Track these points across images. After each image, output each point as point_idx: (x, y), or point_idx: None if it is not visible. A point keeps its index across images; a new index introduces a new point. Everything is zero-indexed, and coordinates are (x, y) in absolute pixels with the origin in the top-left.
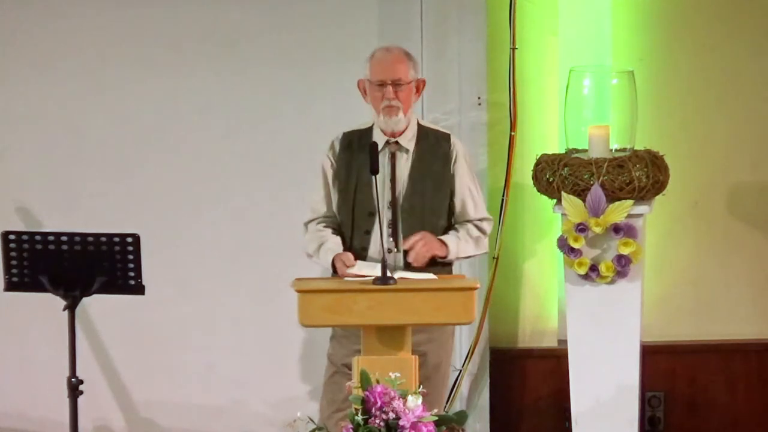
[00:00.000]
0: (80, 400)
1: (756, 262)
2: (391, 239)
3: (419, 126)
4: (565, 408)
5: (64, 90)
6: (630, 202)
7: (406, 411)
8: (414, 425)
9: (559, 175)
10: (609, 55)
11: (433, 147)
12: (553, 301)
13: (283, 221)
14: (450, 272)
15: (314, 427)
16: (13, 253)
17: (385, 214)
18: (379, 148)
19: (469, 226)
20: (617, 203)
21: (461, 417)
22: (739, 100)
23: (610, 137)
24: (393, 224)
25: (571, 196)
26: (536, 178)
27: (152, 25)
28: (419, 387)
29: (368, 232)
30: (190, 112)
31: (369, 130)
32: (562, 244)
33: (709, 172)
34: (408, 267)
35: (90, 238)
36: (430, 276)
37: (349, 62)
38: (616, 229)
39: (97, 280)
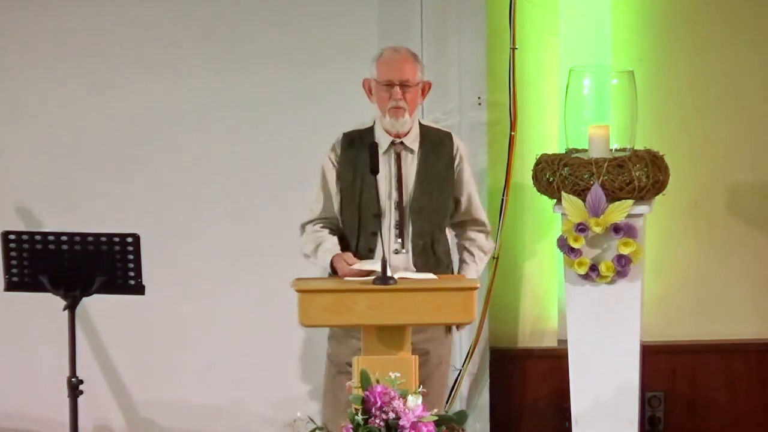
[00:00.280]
0: (80, 400)
1: (756, 262)
2: (399, 240)
3: (420, 125)
4: (565, 408)
5: (64, 90)
6: (630, 202)
7: (406, 411)
8: (414, 425)
9: (559, 175)
10: (609, 55)
11: (437, 147)
12: (553, 301)
13: (283, 221)
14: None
15: (314, 427)
16: (13, 253)
17: (393, 215)
18: (384, 148)
19: (478, 253)
20: (617, 203)
21: (461, 417)
22: (739, 100)
23: (610, 137)
24: (400, 225)
25: (571, 196)
26: (536, 178)
27: (152, 25)
28: (419, 387)
29: (375, 233)
30: (190, 112)
31: (370, 130)
32: (562, 244)
33: (709, 172)
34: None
35: (90, 238)
36: (430, 276)
37: (349, 62)
38: (616, 229)
39: (97, 280)
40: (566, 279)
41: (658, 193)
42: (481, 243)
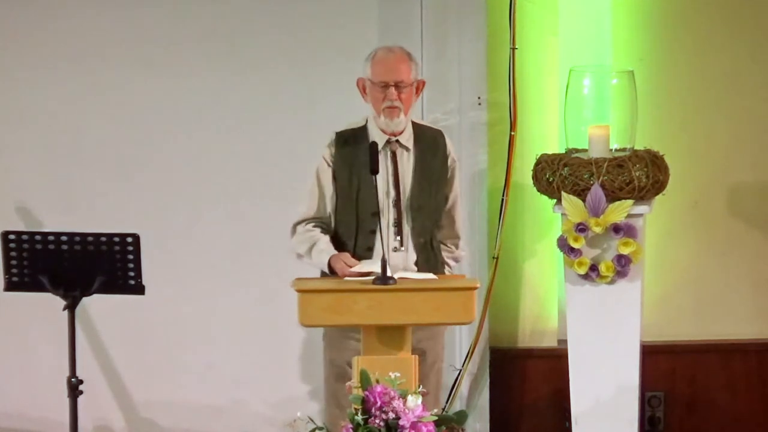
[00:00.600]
0: (80, 400)
1: (756, 262)
2: (398, 238)
3: (413, 124)
4: (565, 408)
5: (64, 90)
6: (630, 201)
7: (406, 411)
8: (414, 425)
9: (559, 175)
10: (609, 55)
11: (431, 145)
12: (553, 301)
13: (283, 221)
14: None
15: (314, 427)
16: (13, 253)
17: (391, 213)
18: (380, 147)
19: (452, 263)
20: (617, 203)
21: (461, 417)
22: (739, 100)
23: (610, 137)
24: (398, 222)
25: (571, 196)
26: (536, 178)
27: (152, 25)
28: (419, 387)
29: (373, 232)
30: (190, 112)
31: (364, 129)
32: (562, 244)
33: (709, 172)
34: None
35: (90, 238)
36: (430, 276)
37: (349, 62)
38: (616, 229)
39: (97, 280)
40: (566, 279)
41: (658, 193)
42: (457, 254)
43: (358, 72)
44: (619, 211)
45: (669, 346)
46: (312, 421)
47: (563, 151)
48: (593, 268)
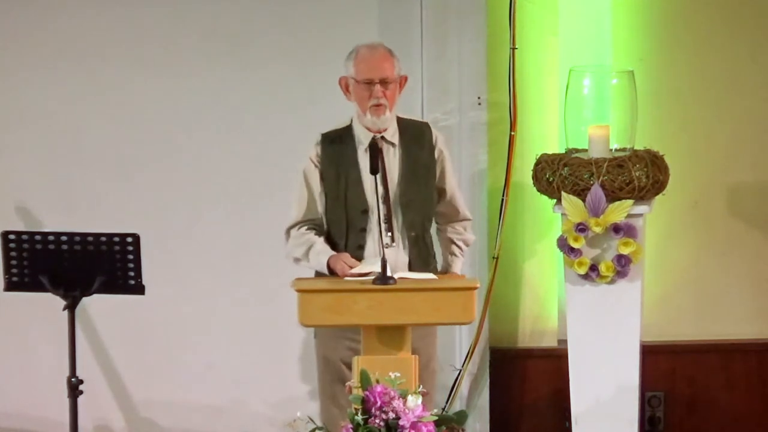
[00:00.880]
0: (80, 400)
1: (756, 262)
2: (389, 234)
3: (398, 118)
4: (565, 408)
5: (64, 90)
6: (630, 201)
7: (406, 411)
8: (414, 425)
9: (559, 174)
10: (609, 55)
11: (417, 137)
12: (553, 301)
13: (282, 221)
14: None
15: (314, 427)
16: (13, 253)
17: (380, 210)
18: (365, 145)
19: (465, 247)
20: (617, 203)
21: (461, 417)
22: (739, 100)
23: (610, 137)
24: (388, 219)
25: (571, 196)
26: (536, 178)
27: (152, 25)
28: (419, 387)
29: (364, 230)
30: (190, 112)
31: (349, 128)
32: (562, 244)
33: (709, 172)
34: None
35: (90, 238)
36: (430, 276)
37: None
38: (616, 228)
39: (97, 279)
40: (566, 279)
41: (658, 193)
42: (467, 237)
43: None
44: (619, 211)
45: (669, 346)
46: (312, 421)
47: (563, 151)
48: (593, 268)
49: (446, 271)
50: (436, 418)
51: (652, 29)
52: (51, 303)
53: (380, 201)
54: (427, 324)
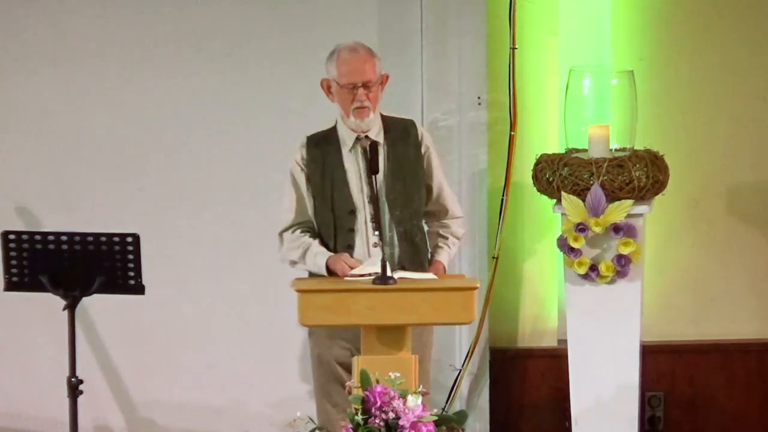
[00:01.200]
0: (80, 400)
1: (756, 262)
2: (377, 233)
3: (382, 116)
4: (565, 408)
5: (64, 90)
6: (630, 201)
7: (406, 411)
8: (414, 425)
9: (559, 174)
10: (609, 55)
11: (403, 135)
12: (553, 301)
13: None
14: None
15: (314, 427)
16: (13, 253)
17: (367, 210)
18: (350, 146)
19: (452, 239)
20: (617, 203)
21: (461, 417)
22: (739, 100)
23: (610, 137)
24: (376, 218)
25: (571, 196)
26: (536, 178)
27: (152, 25)
28: (419, 387)
29: (352, 230)
30: (190, 112)
31: (333, 130)
32: (562, 244)
33: (709, 172)
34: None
35: (90, 238)
36: (430, 276)
37: None
38: (616, 228)
39: (97, 279)
40: (566, 279)
41: (657, 193)
42: (455, 230)
43: None
44: (619, 211)
45: (669, 346)
46: (312, 421)
47: (563, 151)
48: (593, 268)
49: (431, 262)
50: (436, 418)
51: (652, 29)
52: (51, 303)
53: (366, 200)
54: (427, 324)
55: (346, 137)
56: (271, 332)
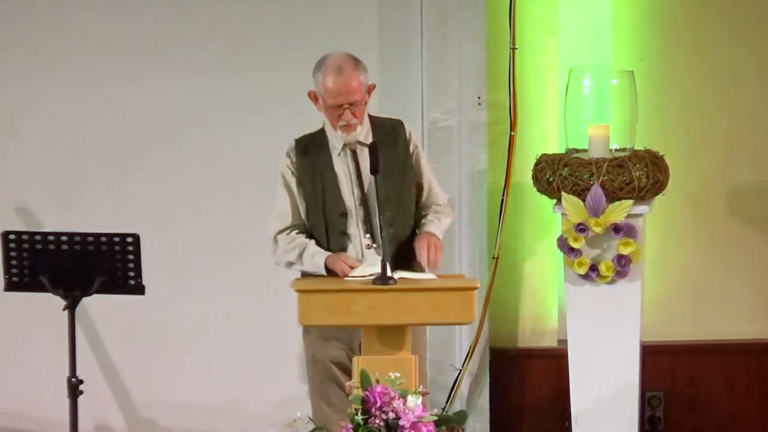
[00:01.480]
0: (80, 400)
1: (756, 263)
2: (368, 235)
3: (370, 117)
4: (565, 408)
5: (64, 90)
6: (630, 201)
7: (406, 411)
8: (414, 425)
9: (559, 175)
10: (609, 55)
11: (391, 136)
12: (553, 301)
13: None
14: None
15: (314, 427)
16: (13, 253)
17: (358, 212)
18: (338, 149)
19: (442, 217)
20: (617, 203)
21: (461, 417)
22: (739, 100)
23: (610, 137)
24: (367, 220)
25: (571, 196)
26: (536, 178)
27: (152, 25)
28: (418, 386)
29: (344, 233)
30: (190, 112)
31: (322, 132)
32: (562, 244)
33: (709, 172)
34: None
35: (90, 238)
36: (430, 276)
37: None
38: (616, 229)
39: (97, 279)
40: (566, 279)
41: (657, 193)
42: (444, 211)
43: None
44: (619, 211)
45: (669, 346)
46: (312, 421)
47: (563, 151)
48: (593, 268)
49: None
50: (436, 418)
51: (652, 29)
52: (51, 303)
53: (357, 203)
54: (427, 324)
55: (335, 141)
56: (271, 332)
